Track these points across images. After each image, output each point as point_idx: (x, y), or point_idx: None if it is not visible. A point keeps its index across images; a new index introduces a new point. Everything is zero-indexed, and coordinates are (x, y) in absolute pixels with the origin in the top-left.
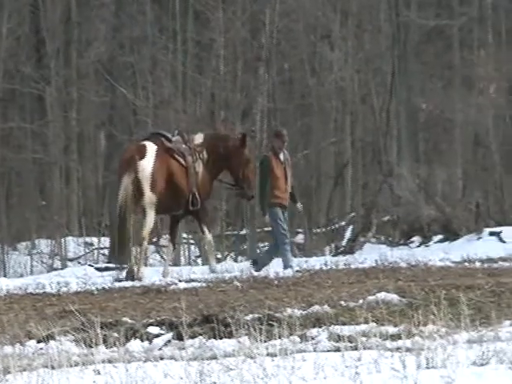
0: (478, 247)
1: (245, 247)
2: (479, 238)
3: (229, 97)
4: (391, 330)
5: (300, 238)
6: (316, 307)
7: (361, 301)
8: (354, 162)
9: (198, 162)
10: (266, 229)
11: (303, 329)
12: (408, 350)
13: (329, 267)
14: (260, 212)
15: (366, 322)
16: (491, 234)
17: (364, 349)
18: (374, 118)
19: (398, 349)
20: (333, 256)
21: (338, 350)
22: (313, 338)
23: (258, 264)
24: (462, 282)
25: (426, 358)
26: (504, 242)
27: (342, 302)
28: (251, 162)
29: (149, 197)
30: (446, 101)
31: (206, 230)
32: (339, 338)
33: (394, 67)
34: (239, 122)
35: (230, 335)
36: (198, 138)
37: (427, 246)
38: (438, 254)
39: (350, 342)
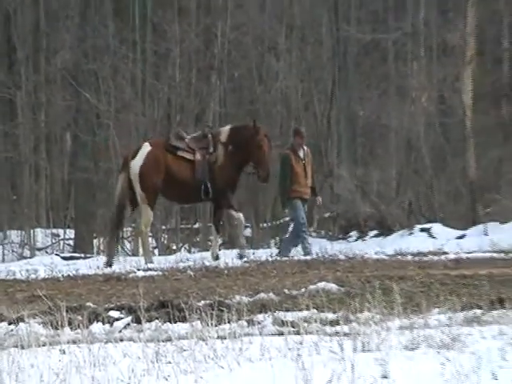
0: (410, 242)
1: (197, 239)
2: (411, 234)
3: (184, 102)
4: (330, 316)
5: (248, 232)
6: (262, 295)
7: (303, 289)
8: None
9: (219, 154)
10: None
11: (250, 314)
12: (345, 334)
13: (274, 258)
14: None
15: (308, 309)
16: (422, 230)
17: (305, 333)
18: (316, 124)
19: (336, 333)
20: (278, 248)
21: (281, 333)
22: (259, 323)
23: (281, 253)
24: (395, 273)
25: (362, 342)
26: (433, 237)
27: (286, 291)
28: (262, 146)
29: (139, 194)
30: (381, 108)
31: (233, 212)
32: (283, 323)
33: (334, 77)
34: (193, 125)
35: (183, 319)
36: (224, 132)
37: (364, 240)
38: (373, 247)
39: (293, 326)
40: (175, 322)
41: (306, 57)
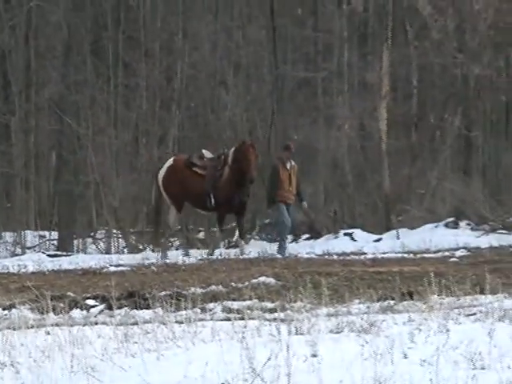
0: (335, 244)
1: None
2: (336, 237)
3: (149, 127)
4: (269, 305)
5: (201, 235)
6: (213, 287)
7: (247, 283)
8: None
9: (224, 172)
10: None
11: (203, 303)
12: (282, 320)
13: (223, 257)
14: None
15: (251, 299)
16: (345, 234)
17: (249, 319)
18: (258, 145)
19: (274, 319)
20: (226, 249)
21: (229, 319)
22: (210, 310)
23: (280, 250)
24: (323, 269)
25: (296, 327)
26: (355, 240)
27: (233, 283)
28: (247, 154)
29: (166, 199)
30: (312, 134)
31: (218, 227)
32: (230, 311)
33: (273, 107)
34: (156, 147)
35: (148, 307)
36: (230, 154)
37: (297, 243)
38: (305, 248)
39: (238, 313)
40: (141, 309)
41: (250, 90)
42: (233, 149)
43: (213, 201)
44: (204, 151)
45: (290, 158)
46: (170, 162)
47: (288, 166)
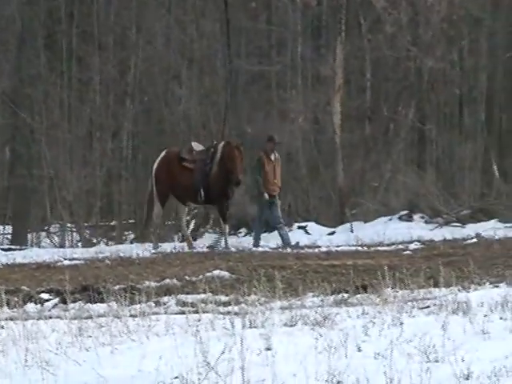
0: (291, 237)
1: (113, 234)
2: (290, 230)
3: (103, 121)
4: (223, 298)
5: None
6: (167, 280)
7: (201, 276)
8: None
9: (214, 166)
10: (130, 221)
11: (157, 297)
12: (236, 313)
13: (177, 251)
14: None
15: (205, 292)
16: (299, 227)
17: (203, 312)
18: (212, 140)
19: (228, 313)
20: (180, 242)
21: (183, 313)
22: (164, 304)
23: (286, 244)
24: (276, 263)
25: (250, 320)
26: (309, 233)
27: (187, 277)
28: (233, 157)
29: (153, 190)
30: (266, 127)
31: (221, 219)
32: (184, 304)
33: (227, 101)
34: (110, 141)
35: (102, 301)
36: (219, 147)
37: (251, 236)
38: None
39: (193, 307)
40: (95, 303)
41: (203, 84)
42: (221, 144)
43: (202, 195)
44: (194, 144)
45: (273, 149)
46: (163, 153)
47: (272, 157)
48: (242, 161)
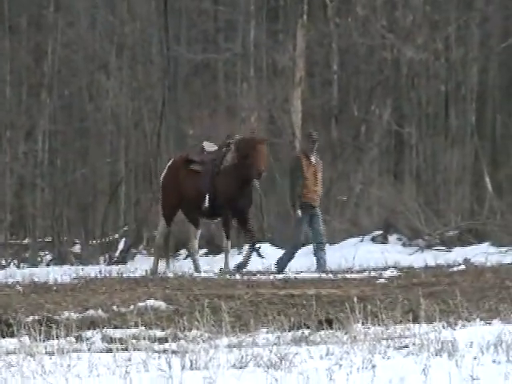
0: (239, 261)
1: (26, 255)
2: (240, 253)
3: (14, 118)
4: (159, 333)
5: (77, 248)
6: (91, 311)
7: (132, 306)
8: (127, 181)
9: (224, 167)
10: (46, 239)
11: (79, 330)
12: (174, 352)
13: (103, 275)
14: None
15: (136, 326)
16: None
17: (134, 350)
18: (146, 142)
19: (164, 351)
20: (107, 265)
21: (110, 350)
22: (88, 339)
23: (278, 267)
24: (223, 291)
25: (190, 360)
26: (262, 257)
27: (115, 307)
28: (257, 148)
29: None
30: (211, 128)
31: (224, 233)
32: (111, 340)
33: (164, 96)
34: (23, 142)
35: (11, 335)
36: (233, 143)
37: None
38: (203, 265)
39: (122, 343)
40: (3, 337)
41: (136, 76)
42: (237, 138)
43: (207, 201)
44: (205, 143)
45: (313, 149)
46: (170, 162)
47: (313, 159)
48: (266, 157)
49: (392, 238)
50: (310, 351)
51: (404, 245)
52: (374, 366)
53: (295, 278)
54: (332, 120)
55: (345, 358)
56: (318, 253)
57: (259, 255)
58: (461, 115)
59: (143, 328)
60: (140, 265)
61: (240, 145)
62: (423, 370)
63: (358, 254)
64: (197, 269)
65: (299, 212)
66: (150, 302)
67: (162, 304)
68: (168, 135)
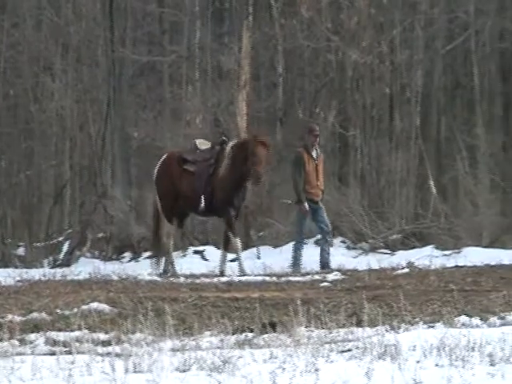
0: (183, 264)
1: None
2: (184, 256)
3: None
4: (102, 336)
5: (21, 251)
6: (35, 314)
7: (75, 309)
8: (72, 184)
9: (220, 167)
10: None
11: (22, 333)
12: (117, 355)
13: (47, 278)
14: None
15: (80, 329)
16: (195, 252)
17: (77, 353)
18: (91, 144)
19: (108, 354)
20: (51, 268)
21: (53, 353)
22: (31, 342)
23: (294, 265)
24: (167, 294)
25: (134, 363)
26: (206, 259)
27: (59, 310)
28: (256, 152)
29: (158, 203)
30: (156, 130)
31: (230, 233)
32: (55, 343)
33: (109, 98)
34: None
35: None
36: (230, 145)
37: (137, 261)
38: (146, 268)
39: (65, 346)
40: None
41: (81, 77)
42: (234, 142)
43: (203, 202)
44: (198, 141)
45: (314, 143)
46: (163, 157)
47: (314, 154)
48: (267, 158)
49: (336, 241)
50: (253, 354)
51: (348, 248)
52: (317, 370)
53: (239, 282)
54: (277, 123)
55: (288, 362)
56: (323, 246)
57: (203, 258)
58: (405, 118)
59: (87, 331)
60: (84, 267)
61: (238, 147)
62: (366, 373)
63: (302, 257)
64: (172, 269)
65: (306, 205)
66: (94, 305)
67: (105, 307)
68: (113, 137)
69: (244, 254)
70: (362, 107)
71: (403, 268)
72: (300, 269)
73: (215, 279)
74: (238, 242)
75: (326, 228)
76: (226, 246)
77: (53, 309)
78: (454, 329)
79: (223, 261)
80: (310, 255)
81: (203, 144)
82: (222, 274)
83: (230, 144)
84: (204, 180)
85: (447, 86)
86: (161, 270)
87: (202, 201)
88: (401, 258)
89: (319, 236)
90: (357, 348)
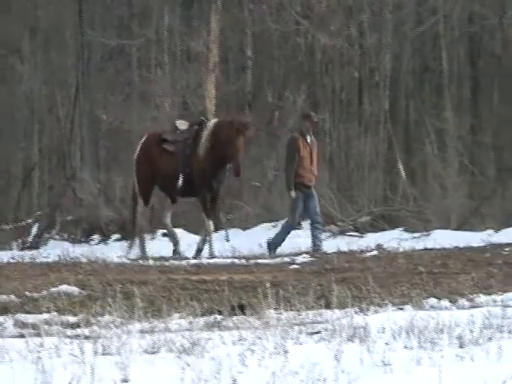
0: (152, 246)
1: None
2: (153, 238)
3: None
4: (71, 319)
5: None
6: (3, 296)
7: (44, 292)
8: (40, 166)
9: (199, 148)
10: None
11: None
12: (86, 337)
13: (16, 260)
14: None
15: (49, 312)
16: (164, 234)
17: (46, 335)
18: (60, 127)
19: (77, 336)
20: (20, 250)
21: (22, 336)
22: (0, 325)
23: (271, 246)
24: (136, 277)
25: (103, 346)
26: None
27: (27, 293)
28: (234, 139)
29: (135, 185)
30: (125, 113)
31: (203, 214)
32: (24, 325)
33: (78, 82)
34: None
35: None
36: (210, 126)
37: (106, 244)
38: (115, 251)
39: (34, 329)
40: None
41: (50, 60)
42: (213, 121)
43: (181, 182)
44: (178, 122)
45: (310, 129)
46: (143, 138)
47: (308, 139)
48: (244, 140)
49: (305, 223)
50: (222, 337)
51: None
52: (286, 352)
53: (208, 264)
54: (246, 106)
55: (257, 344)
56: (315, 232)
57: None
58: (374, 101)
59: (56, 313)
60: (53, 250)
61: (218, 129)
62: (335, 355)
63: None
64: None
65: (293, 193)
66: (63, 288)
67: (74, 289)
68: (82, 120)
69: (213, 237)
70: (331, 91)
71: (372, 250)
72: (275, 252)
73: (184, 262)
74: (210, 225)
75: (317, 216)
76: (215, 227)
77: (22, 291)
78: (423, 311)
79: (210, 243)
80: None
81: (183, 124)
82: (212, 256)
83: (210, 123)
84: (182, 159)
85: (416, 70)
86: (135, 253)
87: (180, 180)
88: (370, 241)
89: (309, 222)
90: (326, 330)
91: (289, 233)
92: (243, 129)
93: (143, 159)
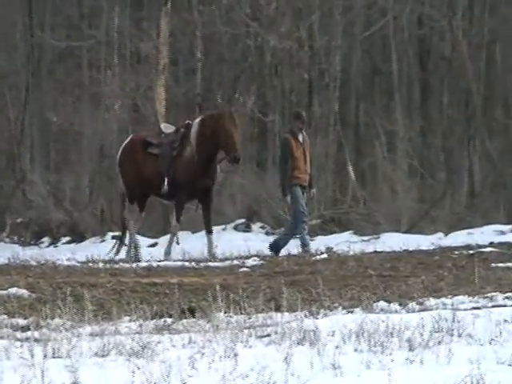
0: (102, 249)
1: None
2: (103, 241)
3: None
4: (21, 322)
5: None
6: None
7: None
8: None
9: (184, 149)
10: None
11: None
12: (36, 340)
13: None
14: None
15: None
16: (113, 237)
17: None
18: (10, 129)
19: (27, 339)
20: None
21: None
22: None
23: (275, 247)
24: (86, 280)
25: (53, 349)
26: (125, 245)
27: None
28: (227, 127)
29: (121, 184)
30: (75, 115)
31: (174, 216)
32: None
33: (28, 83)
34: None
35: None
36: (195, 125)
37: (56, 247)
38: (65, 254)
39: None
40: None
41: (0, 62)
42: (199, 119)
43: (166, 185)
44: (163, 125)
45: (302, 129)
46: (126, 141)
47: (301, 139)
48: (237, 129)
49: (255, 226)
50: (172, 340)
51: (267, 233)
52: (236, 355)
53: (158, 267)
54: (196, 108)
55: (207, 347)
56: (302, 233)
57: (122, 243)
58: (324, 103)
59: (5, 316)
60: (3, 253)
61: (207, 123)
62: (285, 358)
63: (221, 243)
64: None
65: (288, 199)
66: (13, 290)
67: (24, 292)
68: (32, 122)
69: (163, 240)
70: (280, 92)
71: (322, 253)
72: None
73: (133, 265)
74: (177, 227)
75: (306, 217)
76: (208, 228)
77: None
78: (373, 314)
79: (210, 245)
80: (229, 240)
81: (168, 128)
82: (213, 257)
83: (196, 122)
84: (166, 162)
85: (366, 72)
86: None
87: (165, 183)
88: (319, 244)
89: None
90: (276, 333)
91: (293, 235)
92: (233, 117)
93: (126, 161)
